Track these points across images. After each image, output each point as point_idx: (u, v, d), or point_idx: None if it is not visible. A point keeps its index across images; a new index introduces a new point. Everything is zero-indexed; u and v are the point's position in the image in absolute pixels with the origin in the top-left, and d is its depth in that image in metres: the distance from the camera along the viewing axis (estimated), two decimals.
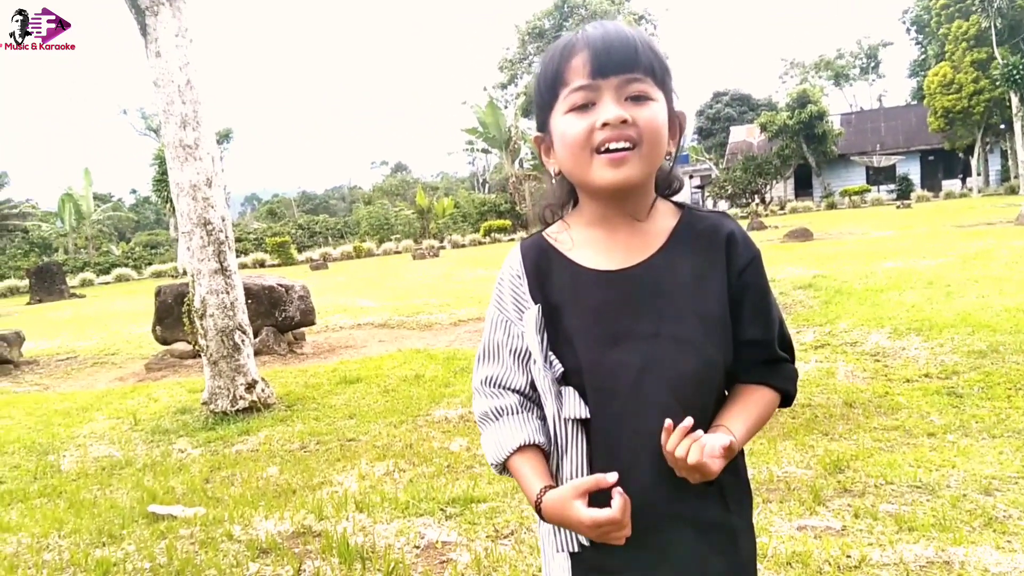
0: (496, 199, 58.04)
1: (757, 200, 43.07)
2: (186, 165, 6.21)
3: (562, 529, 1.31)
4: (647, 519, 1.25)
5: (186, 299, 6.82)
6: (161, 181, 39.65)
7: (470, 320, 11.48)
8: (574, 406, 1.29)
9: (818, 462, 4.14)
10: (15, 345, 10.50)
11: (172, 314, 9.52)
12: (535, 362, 1.32)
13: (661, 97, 1.27)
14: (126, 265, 43.20)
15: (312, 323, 10.39)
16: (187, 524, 3.85)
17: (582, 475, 1.29)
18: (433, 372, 7.30)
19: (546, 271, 1.35)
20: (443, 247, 47.34)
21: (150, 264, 50.56)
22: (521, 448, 1.33)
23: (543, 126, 1.35)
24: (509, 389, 1.39)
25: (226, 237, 6.39)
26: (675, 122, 1.33)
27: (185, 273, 6.59)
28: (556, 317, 1.32)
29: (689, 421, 1.18)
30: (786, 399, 1.38)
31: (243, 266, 43.58)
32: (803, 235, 18.85)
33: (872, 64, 59.84)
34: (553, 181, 1.38)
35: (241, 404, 6.31)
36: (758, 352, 1.33)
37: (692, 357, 1.26)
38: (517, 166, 56.31)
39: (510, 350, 1.38)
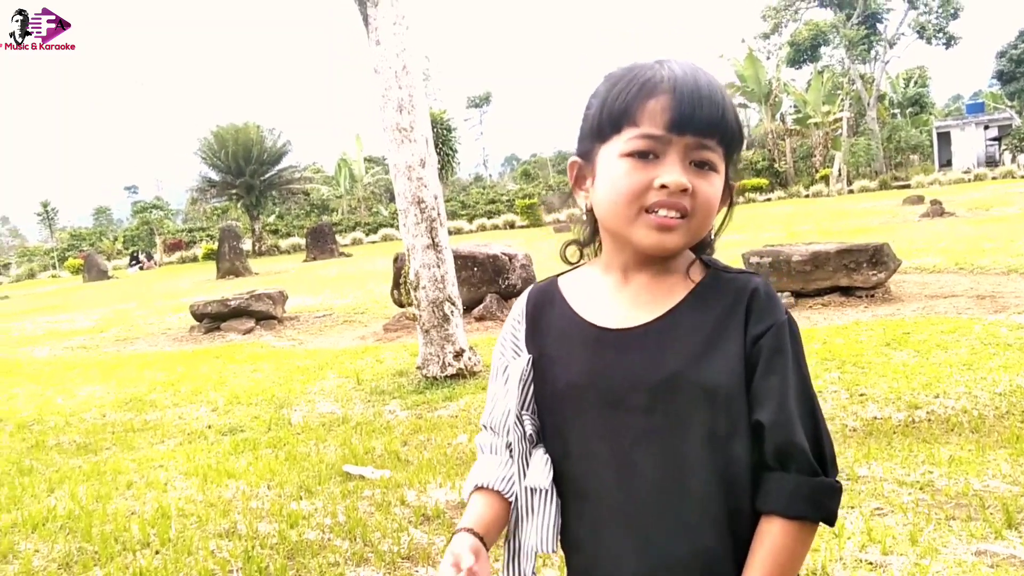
0: (752, 156, 55.60)
1: None
2: (402, 147, 6.73)
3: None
4: None
5: (403, 271, 7.43)
6: None
7: None
8: (537, 474, 1.22)
9: None
10: (279, 303, 12.00)
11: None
12: (509, 413, 1.25)
13: (723, 169, 1.18)
14: (391, 225, 46.95)
15: None
16: (372, 486, 4.32)
17: (548, 547, 1.22)
18: None
19: (547, 319, 1.27)
20: None
21: None
22: (478, 488, 1.29)
23: (586, 154, 1.22)
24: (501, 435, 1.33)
25: (438, 214, 6.87)
26: (726, 192, 1.22)
27: None
28: (550, 371, 1.23)
29: None
30: (824, 520, 1.15)
31: (494, 227, 45.73)
32: None
33: None
34: (584, 216, 1.28)
35: (449, 370, 6.81)
36: (768, 438, 1.13)
37: (690, 435, 1.13)
38: (778, 121, 53.54)
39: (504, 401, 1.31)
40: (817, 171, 44.49)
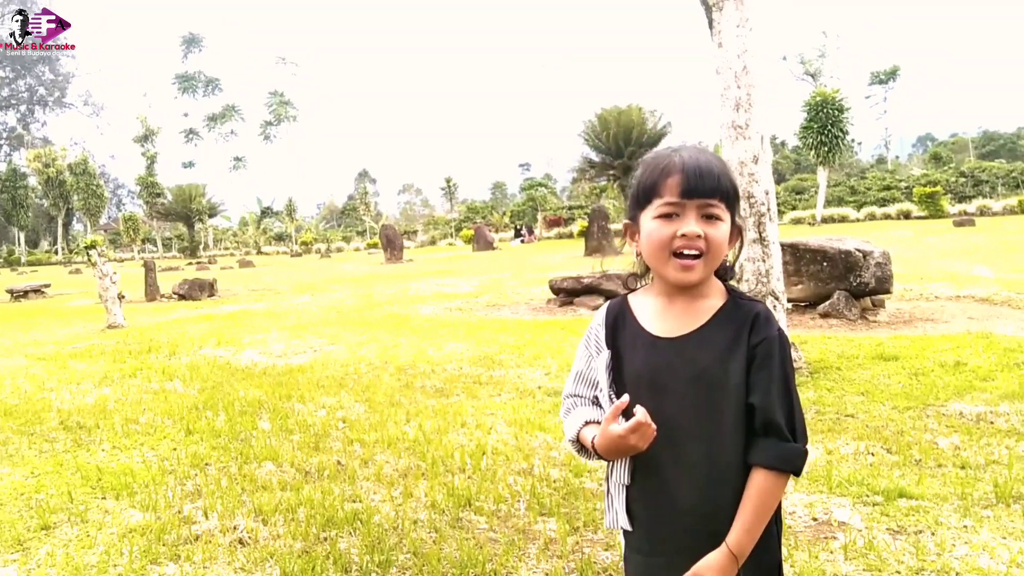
0: None
1: None
2: (736, 144, 7.18)
3: (614, 480, 1.85)
4: (682, 527, 1.75)
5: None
6: (807, 128, 41.18)
7: None
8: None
9: None
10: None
11: None
12: (602, 391, 1.84)
13: (728, 216, 1.74)
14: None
15: (887, 291, 10.52)
16: None
17: (625, 479, 1.82)
18: (979, 361, 7.05)
19: (620, 325, 1.86)
20: None
21: (793, 208, 52.55)
22: (587, 423, 1.85)
23: (633, 217, 1.83)
24: (588, 397, 1.93)
25: (767, 209, 7.21)
26: (735, 232, 1.79)
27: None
28: (619, 364, 1.83)
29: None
30: (792, 472, 1.71)
31: (885, 216, 42.89)
32: None
33: None
34: (636, 258, 1.90)
35: None
36: (757, 416, 1.70)
37: (709, 413, 1.71)
38: None
39: (587, 378, 1.91)
40: None
